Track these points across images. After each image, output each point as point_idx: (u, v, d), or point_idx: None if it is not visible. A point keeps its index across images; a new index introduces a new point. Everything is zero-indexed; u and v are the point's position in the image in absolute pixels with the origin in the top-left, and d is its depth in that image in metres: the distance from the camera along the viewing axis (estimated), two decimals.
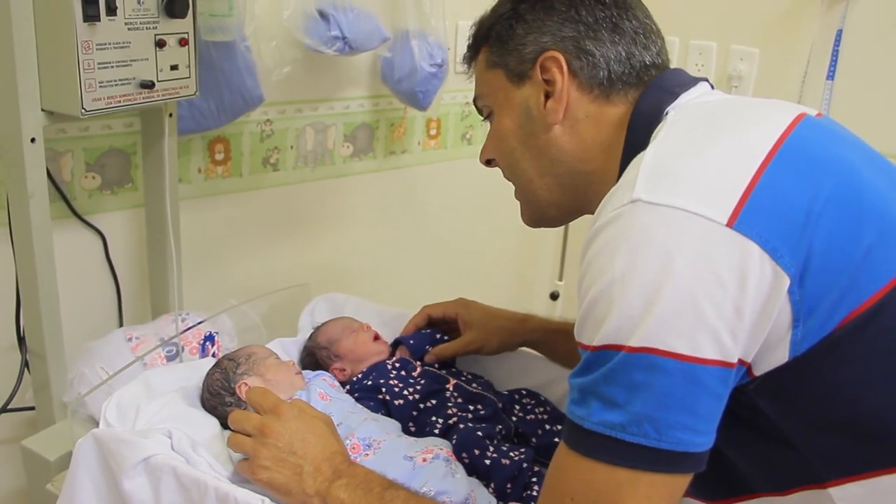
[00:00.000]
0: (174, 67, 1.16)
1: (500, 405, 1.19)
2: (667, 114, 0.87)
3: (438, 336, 1.33)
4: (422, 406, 1.17)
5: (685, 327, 0.69)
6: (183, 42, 1.16)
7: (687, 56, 2.06)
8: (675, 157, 0.76)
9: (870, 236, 0.72)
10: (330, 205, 1.82)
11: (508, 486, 1.03)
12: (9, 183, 1.11)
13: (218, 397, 1.13)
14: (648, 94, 0.91)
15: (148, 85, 1.12)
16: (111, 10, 1.05)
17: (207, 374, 1.16)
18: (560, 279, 2.37)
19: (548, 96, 0.94)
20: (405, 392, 1.18)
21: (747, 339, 0.71)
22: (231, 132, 1.57)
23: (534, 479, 1.04)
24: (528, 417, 1.21)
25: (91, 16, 1.03)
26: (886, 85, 1.76)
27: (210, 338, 1.30)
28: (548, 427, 1.19)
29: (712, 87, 0.94)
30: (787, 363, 0.72)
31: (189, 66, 1.18)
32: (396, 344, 1.33)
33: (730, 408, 0.73)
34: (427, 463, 1.01)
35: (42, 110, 1.08)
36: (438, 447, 1.05)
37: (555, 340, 1.28)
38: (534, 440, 1.16)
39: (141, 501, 0.94)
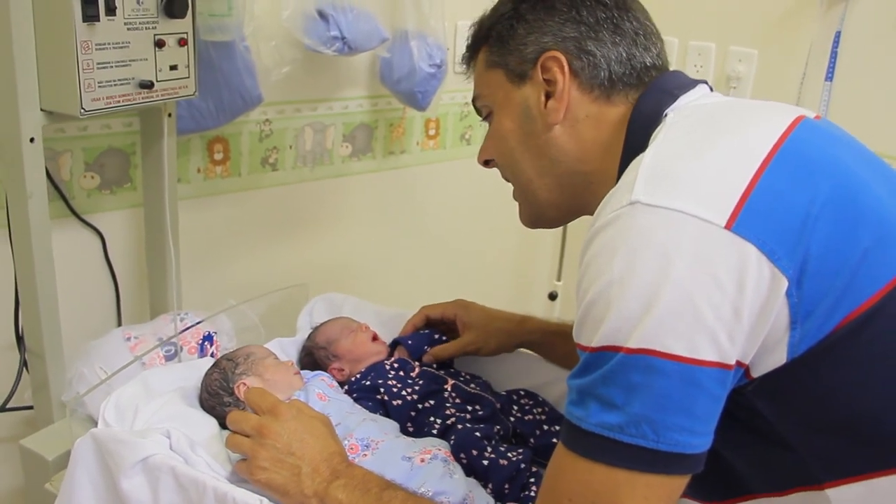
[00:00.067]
0: (173, 67, 1.16)
1: (498, 406, 1.19)
2: (666, 116, 0.87)
3: (437, 337, 1.33)
4: (420, 406, 1.17)
5: (683, 329, 0.69)
6: (182, 42, 1.16)
7: (686, 57, 2.06)
8: (674, 160, 0.77)
9: (867, 239, 0.73)
10: (329, 205, 1.82)
11: (506, 486, 1.03)
12: (8, 182, 1.11)
13: (216, 397, 1.13)
14: (648, 95, 0.91)
15: (147, 85, 1.12)
16: (110, 10, 1.05)
17: (206, 374, 1.16)
18: (559, 279, 2.37)
19: (548, 96, 0.94)
20: (403, 392, 1.18)
21: (745, 341, 0.71)
22: (230, 132, 1.57)
23: (532, 480, 1.04)
24: (526, 418, 1.21)
25: (90, 16, 1.03)
26: (885, 86, 1.76)
27: (209, 338, 1.30)
28: (546, 427, 1.19)
29: (711, 89, 0.94)
30: (784, 365, 0.73)
31: (188, 67, 1.18)
32: (395, 344, 1.33)
33: (727, 409, 0.73)
34: (425, 463, 1.02)
35: (41, 110, 1.08)
36: (436, 447, 1.05)
37: (553, 342, 1.28)
38: (532, 441, 1.17)
39: (139, 501, 0.94)
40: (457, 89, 1.95)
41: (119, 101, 1.10)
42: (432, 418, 1.14)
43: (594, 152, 0.94)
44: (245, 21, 1.36)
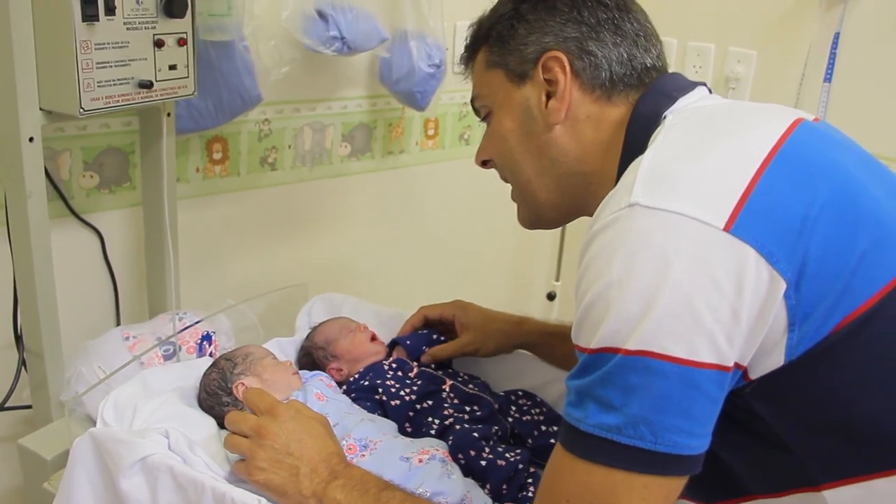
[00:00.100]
0: (173, 67, 1.16)
1: (496, 406, 1.19)
2: (665, 118, 0.87)
3: (435, 337, 1.33)
4: (418, 407, 1.17)
5: (682, 331, 0.69)
6: (181, 42, 1.16)
7: (685, 57, 2.06)
8: (672, 162, 0.77)
9: (865, 241, 0.73)
10: (327, 204, 1.82)
11: (504, 486, 1.03)
12: (7, 182, 1.11)
13: (215, 397, 1.13)
14: (647, 97, 0.91)
15: (146, 85, 1.12)
16: (110, 10, 1.05)
17: (205, 374, 1.16)
18: (557, 279, 2.37)
19: (549, 96, 0.94)
20: (402, 393, 1.18)
21: (744, 343, 0.71)
22: (229, 132, 1.57)
23: (529, 480, 1.04)
24: (524, 418, 1.21)
25: (90, 15, 1.03)
26: (883, 87, 1.76)
27: (207, 337, 1.30)
28: (544, 428, 1.19)
29: (710, 91, 0.94)
30: (782, 367, 0.73)
31: (187, 66, 1.18)
32: (393, 344, 1.33)
33: (725, 411, 0.73)
34: (423, 464, 1.02)
35: (40, 109, 1.08)
36: (435, 448, 1.06)
37: (551, 343, 1.29)
38: (530, 441, 1.17)
39: (138, 501, 0.94)
40: (456, 89, 1.95)
41: (118, 101, 1.10)
42: (430, 418, 1.14)
43: (594, 153, 0.94)
44: (244, 21, 1.36)
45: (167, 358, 1.25)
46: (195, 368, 1.19)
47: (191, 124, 1.40)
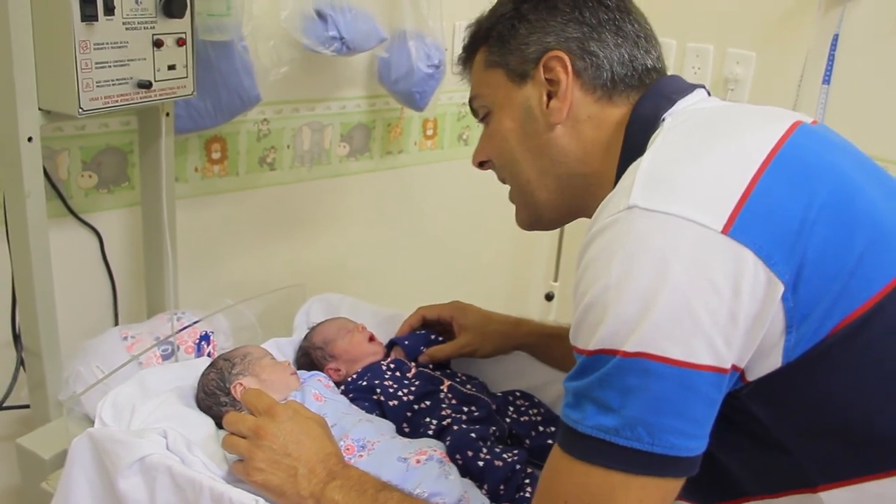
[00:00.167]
0: (171, 67, 1.16)
1: (494, 407, 1.19)
2: (663, 120, 0.87)
3: (433, 337, 1.33)
4: (416, 407, 1.17)
5: (680, 333, 0.69)
6: (180, 42, 1.16)
7: (684, 58, 2.07)
8: (671, 164, 0.77)
9: (862, 244, 0.73)
10: (326, 205, 1.82)
11: (502, 487, 1.03)
12: (5, 181, 1.11)
13: (213, 397, 1.13)
14: (646, 99, 0.92)
15: (145, 85, 1.13)
16: (109, 10, 1.05)
17: (203, 374, 1.16)
18: (555, 280, 2.37)
19: (550, 96, 0.94)
20: (399, 393, 1.18)
21: (741, 346, 0.71)
22: (228, 131, 1.57)
23: (527, 481, 1.05)
24: (521, 419, 1.21)
25: (89, 15, 1.03)
26: (882, 90, 1.76)
27: (206, 337, 1.30)
28: (541, 429, 1.19)
29: (709, 93, 0.94)
30: (779, 369, 0.73)
31: (186, 66, 1.18)
32: (391, 345, 1.33)
33: (723, 412, 0.74)
34: (421, 464, 1.02)
35: (39, 109, 1.08)
36: (432, 448, 1.06)
37: (549, 344, 1.29)
38: (527, 442, 1.17)
39: (136, 501, 0.94)
40: (455, 90, 1.95)
41: (117, 101, 1.10)
42: (428, 419, 1.15)
43: (594, 153, 0.94)
44: (243, 21, 1.36)
45: (165, 358, 1.25)
46: (193, 368, 1.19)
47: (190, 124, 1.40)
